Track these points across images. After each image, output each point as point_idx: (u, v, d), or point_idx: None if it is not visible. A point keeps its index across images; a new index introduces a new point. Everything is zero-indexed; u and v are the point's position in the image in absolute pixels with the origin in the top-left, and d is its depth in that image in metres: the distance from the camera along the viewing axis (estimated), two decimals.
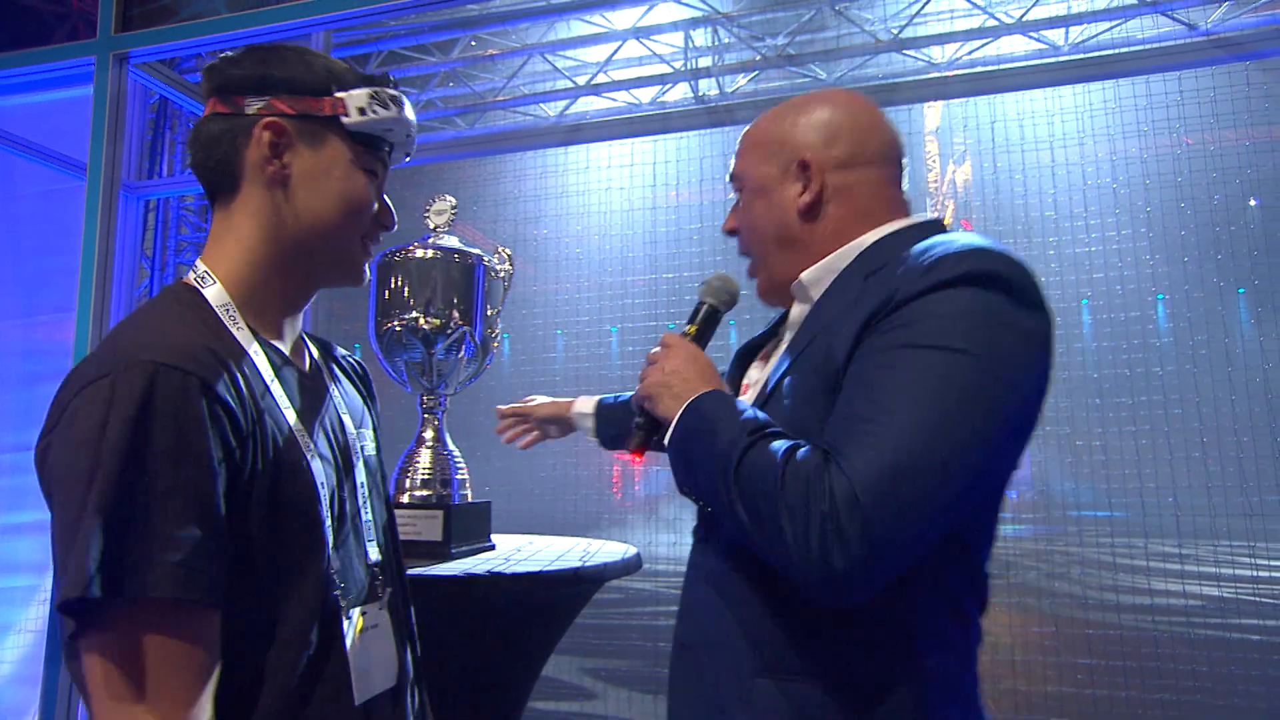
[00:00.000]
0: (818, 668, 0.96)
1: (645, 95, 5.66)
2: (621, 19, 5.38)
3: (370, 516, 1.12)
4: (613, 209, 6.27)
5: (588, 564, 1.87)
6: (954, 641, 1.00)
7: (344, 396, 1.18)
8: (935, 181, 10.44)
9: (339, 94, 1.06)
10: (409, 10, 3.30)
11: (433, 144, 5.02)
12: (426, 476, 1.90)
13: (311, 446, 1.01)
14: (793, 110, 1.19)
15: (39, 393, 3.70)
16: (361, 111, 1.06)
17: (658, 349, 1.15)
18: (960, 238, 1.02)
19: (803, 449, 0.92)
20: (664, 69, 5.54)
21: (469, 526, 1.87)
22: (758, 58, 5.23)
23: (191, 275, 1.04)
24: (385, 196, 1.16)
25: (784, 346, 1.17)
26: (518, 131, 5.31)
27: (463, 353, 1.93)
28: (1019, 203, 8.19)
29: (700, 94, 5.27)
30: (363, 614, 1.03)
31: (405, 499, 1.87)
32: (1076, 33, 5.22)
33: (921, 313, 0.93)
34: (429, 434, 1.97)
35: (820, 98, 1.20)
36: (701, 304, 1.24)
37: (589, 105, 5.74)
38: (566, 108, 5.66)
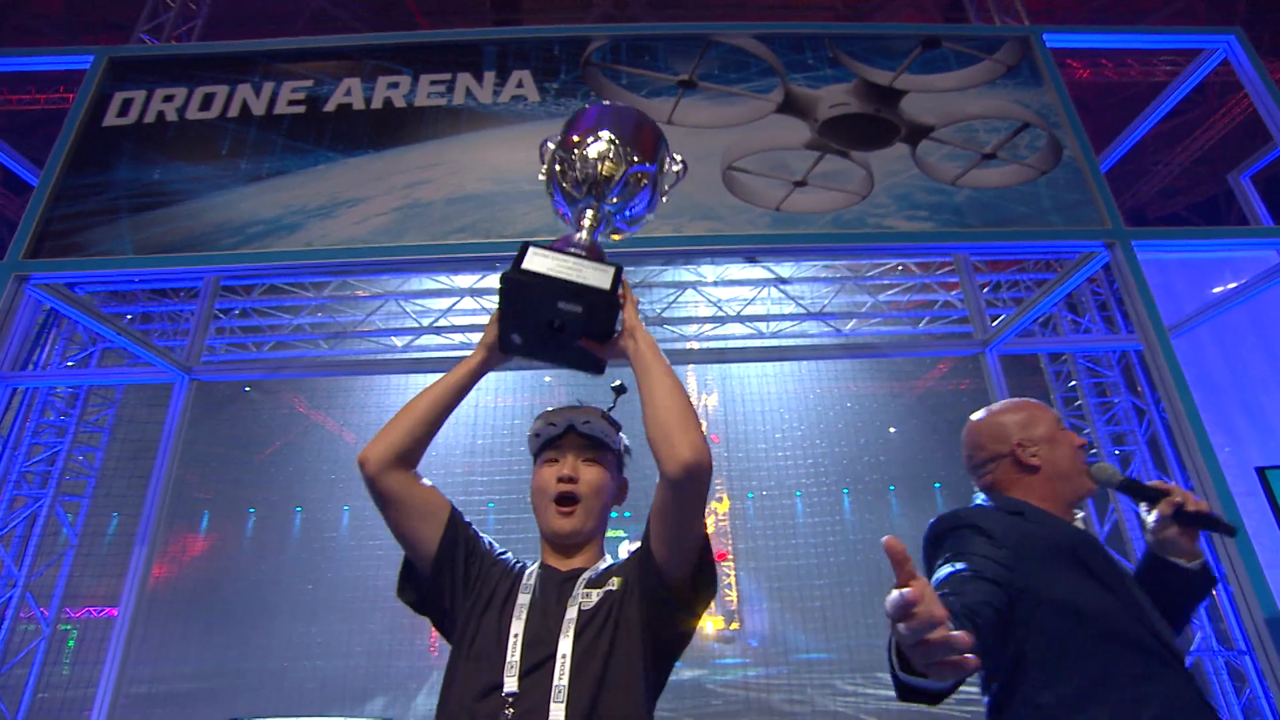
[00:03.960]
0: None
1: (477, 337, 5.96)
2: (463, 280, 5.76)
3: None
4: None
5: None
6: None
7: None
8: (694, 408, 11.48)
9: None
10: (283, 272, 3.37)
11: (301, 360, 4.93)
12: (592, 246, 1.37)
13: None
14: None
15: None
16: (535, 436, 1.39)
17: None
18: None
19: None
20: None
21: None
22: None
23: None
24: (569, 455, 1.34)
25: None
26: (369, 359, 5.34)
27: (640, 190, 1.41)
28: (746, 424, 8.97)
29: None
30: None
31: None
32: (774, 325, 6.14)
33: None
34: (587, 223, 1.39)
35: None
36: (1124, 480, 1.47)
37: (431, 340, 5.94)
38: (411, 341, 5.82)
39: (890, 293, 6.08)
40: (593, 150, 1.37)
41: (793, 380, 8.23)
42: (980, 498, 1.53)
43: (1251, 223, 4.28)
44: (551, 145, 1.43)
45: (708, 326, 6.04)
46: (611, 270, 1.23)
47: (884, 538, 0.90)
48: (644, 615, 1.21)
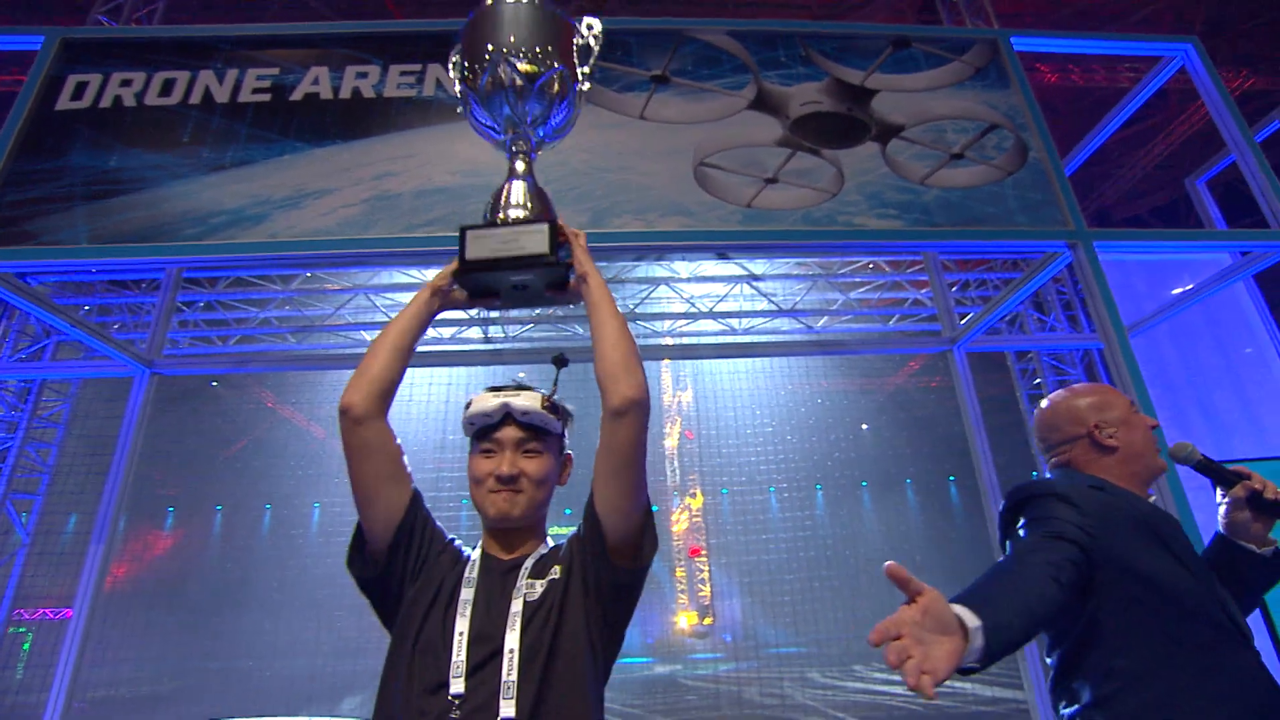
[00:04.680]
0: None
1: (447, 332, 5.89)
2: (433, 274, 5.66)
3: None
4: (411, 415, 6.28)
5: None
6: None
7: None
8: (669, 403, 11.52)
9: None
10: (248, 265, 3.29)
11: (268, 355, 4.81)
12: (527, 202, 1.41)
13: None
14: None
15: None
16: (469, 423, 1.31)
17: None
18: None
19: None
20: (463, 315, 5.83)
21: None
22: (534, 313, 5.68)
23: None
24: (507, 450, 1.29)
25: None
26: (338, 354, 5.23)
27: (563, 97, 1.43)
28: (719, 420, 8.97)
29: (488, 335, 5.57)
30: None
31: (505, 217, 1.38)
32: (747, 322, 6.16)
33: None
34: (520, 168, 1.45)
35: None
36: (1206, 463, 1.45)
37: None
38: None
39: (861, 290, 6.14)
40: (509, 55, 1.38)
41: (765, 377, 8.28)
42: (1050, 476, 1.55)
43: (1207, 226, 4.41)
44: (457, 55, 1.44)
45: (681, 323, 6.04)
46: (545, 230, 1.29)
47: (885, 564, 0.92)
48: (587, 596, 1.22)
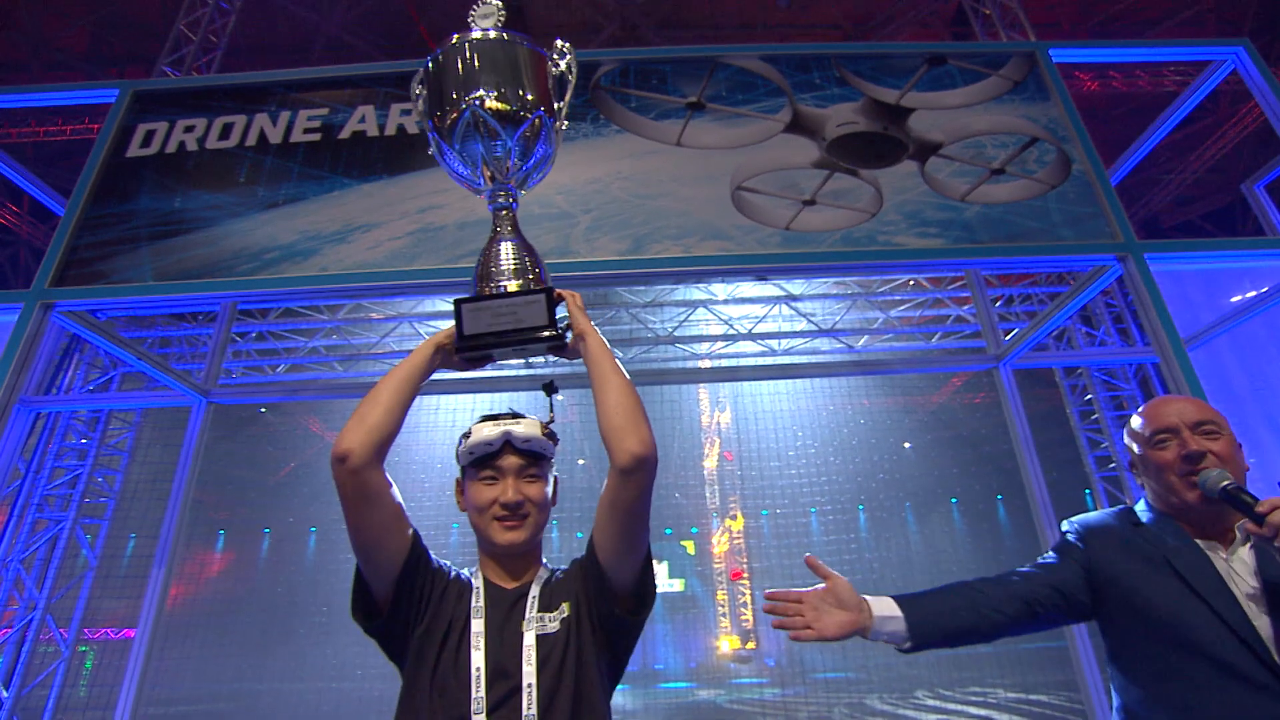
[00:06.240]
0: None
1: None
2: None
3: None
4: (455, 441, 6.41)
5: None
6: None
7: None
8: (707, 424, 11.46)
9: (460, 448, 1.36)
10: (299, 296, 3.41)
11: (316, 383, 4.97)
12: (516, 265, 1.39)
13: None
14: None
15: None
16: (469, 452, 1.32)
17: None
18: None
19: None
20: None
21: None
22: None
23: None
24: (509, 477, 1.31)
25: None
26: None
27: (539, 139, 1.42)
28: (759, 441, 8.85)
29: (528, 361, 5.65)
30: None
31: (496, 288, 1.38)
32: (786, 343, 6.10)
33: None
34: (507, 228, 1.45)
35: None
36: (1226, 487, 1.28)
37: None
38: None
39: (901, 308, 6.06)
40: (478, 103, 1.36)
41: (805, 397, 8.20)
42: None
43: (1267, 232, 4.24)
44: (420, 89, 1.45)
45: (719, 345, 6.03)
46: (542, 301, 1.30)
47: (805, 555, 1.26)
48: (596, 633, 1.26)
